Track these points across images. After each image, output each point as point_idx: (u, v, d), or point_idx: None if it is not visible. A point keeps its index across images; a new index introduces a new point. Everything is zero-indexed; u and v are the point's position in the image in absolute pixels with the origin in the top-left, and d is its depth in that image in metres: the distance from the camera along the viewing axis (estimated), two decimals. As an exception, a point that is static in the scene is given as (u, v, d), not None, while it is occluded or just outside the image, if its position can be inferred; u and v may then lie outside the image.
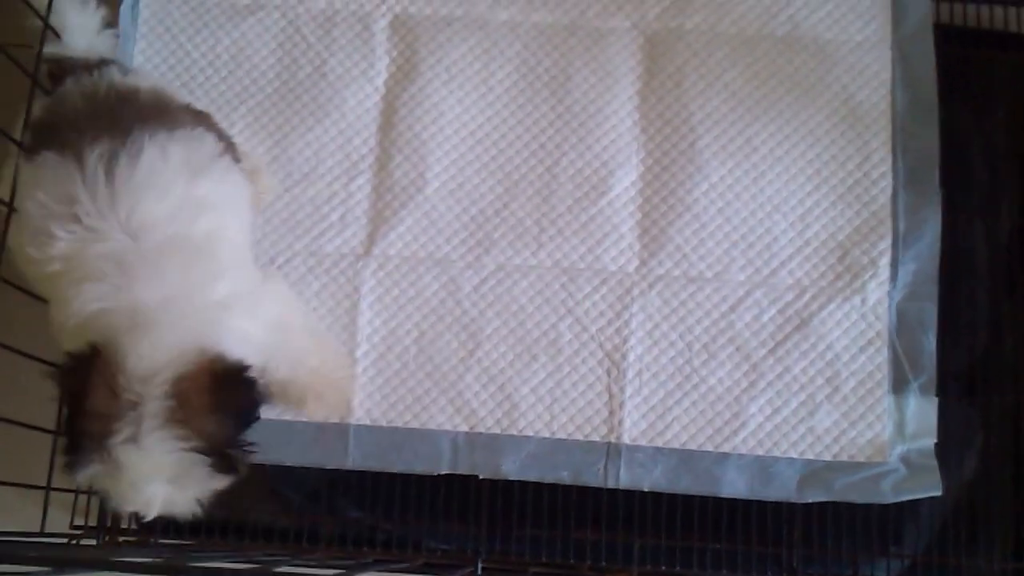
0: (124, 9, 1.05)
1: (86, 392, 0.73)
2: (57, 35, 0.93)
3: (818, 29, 1.05)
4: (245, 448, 0.79)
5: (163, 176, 0.79)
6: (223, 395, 0.75)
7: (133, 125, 0.80)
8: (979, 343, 1.09)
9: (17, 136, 0.87)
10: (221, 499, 1.01)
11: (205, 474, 0.75)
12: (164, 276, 0.76)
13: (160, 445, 0.72)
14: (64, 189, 0.77)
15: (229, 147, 0.90)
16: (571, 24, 1.05)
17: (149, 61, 1.04)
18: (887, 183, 1.01)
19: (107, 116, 0.81)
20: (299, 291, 0.99)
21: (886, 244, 1.00)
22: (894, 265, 1.00)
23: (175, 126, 0.82)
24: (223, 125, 1.01)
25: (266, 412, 0.96)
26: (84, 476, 0.74)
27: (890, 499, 0.95)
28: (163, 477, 0.74)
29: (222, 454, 0.75)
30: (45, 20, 0.92)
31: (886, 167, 1.02)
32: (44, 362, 0.95)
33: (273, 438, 0.97)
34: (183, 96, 0.95)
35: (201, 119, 0.90)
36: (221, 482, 0.77)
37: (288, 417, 0.97)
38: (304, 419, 0.97)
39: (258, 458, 0.96)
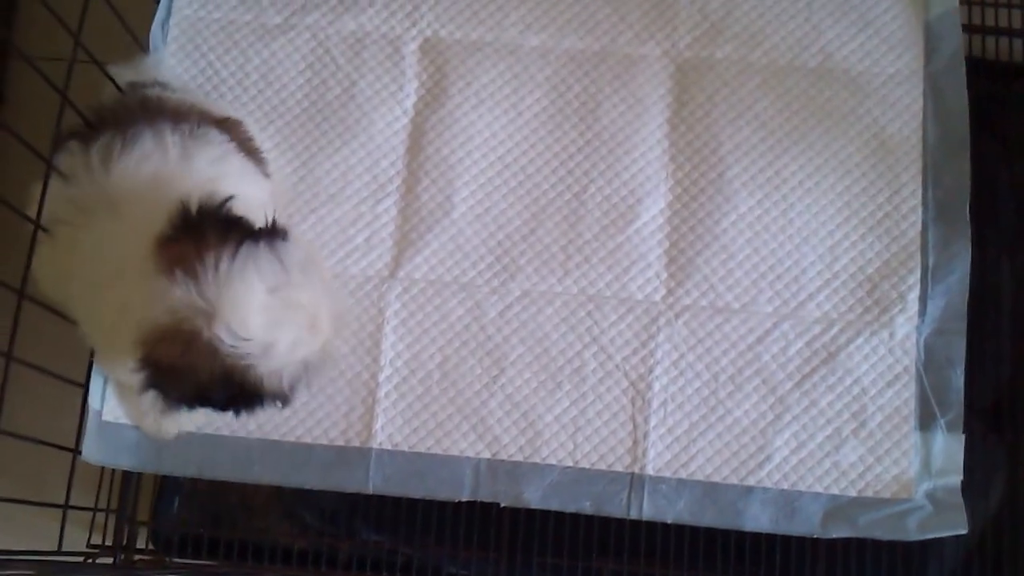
0: (155, 27, 1.05)
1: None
2: (88, 53, 0.93)
3: (850, 61, 1.04)
4: None
5: (152, 162, 0.79)
6: None
7: (141, 122, 0.80)
8: (1003, 378, 1.08)
9: (46, 153, 0.87)
10: (239, 520, 1.01)
11: None
12: None
13: None
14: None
15: (253, 157, 0.90)
16: (602, 51, 1.04)
17: (178, 79, 1.04)
18: (917, 217, 1.01)
19: (125, 116, 0.82)
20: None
21: (915, 278, 0.99)
22: (923, 300, 0.99)
23: (182, 122, 0.82)
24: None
25: (285, 436, 0.97)
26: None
27: (915, 537, 0.94)
28: None
29: None
30: (76, 36, 0.92)
31: (916, 201, 1.01)
32: (64, 379, 0.95)
33: (292, 462, 0.96)
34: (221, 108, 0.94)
35: (226, 125, 0.88)
36: None
37: (308, 440, 0.96)
38: (325, 442, 0.96)
39: (277, 482, 0.96)
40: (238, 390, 0.74)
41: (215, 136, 0.84)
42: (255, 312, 0.71)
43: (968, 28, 1.14)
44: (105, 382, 0.98)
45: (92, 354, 0.98)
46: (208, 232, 0.72)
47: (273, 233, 0.74)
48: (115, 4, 0.98)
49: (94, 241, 0.78)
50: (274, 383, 0.74)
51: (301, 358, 0.74)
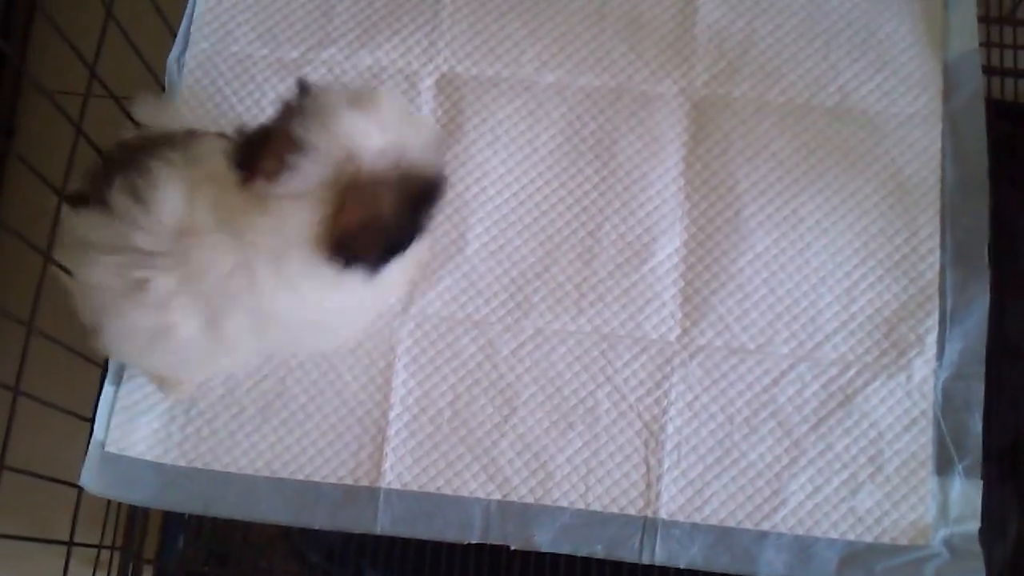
0: (171, 62, 1.05)
1: None
2: (103, 85, 0.93)
3: (868, 101, 1.03)
4: None
5: None
6: None
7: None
8: (1020, 424, 1.07)
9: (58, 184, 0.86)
10: (244, 558, 1.00)
11: None
12: None
13: None
14: None
15: None
16: (618, 88, 1.04)
17: (192, 112, 1.04)
18: (935, 259, 0.99)
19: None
20: (334, 350, 0.98)
21: (933, 321, 0.98)
22: (941, 343, 0.97)
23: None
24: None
25: (294, 474, 0.95)
26: None
27: (932, 584, 0.92)
28: None
29: None
30: (92, 69, 0.92)
31: (934, 242, 1.00)
32: (71, 413, 0.94)
33: (300, 500, 0.95)
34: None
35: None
36: None
37: (316, 479, 0.95)
38: (333, 481, 0.95)
39: (284, 520, 0.95)
40: (416, 200, 0.75)
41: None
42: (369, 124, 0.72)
43: (987, 70, 1.14)
44: (110, 414, 0.97)
45: (101, 385, 0.98)
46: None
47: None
48: (132, 38, 0.98)
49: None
50: (431, 171, 0.76)
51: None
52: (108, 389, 0.98)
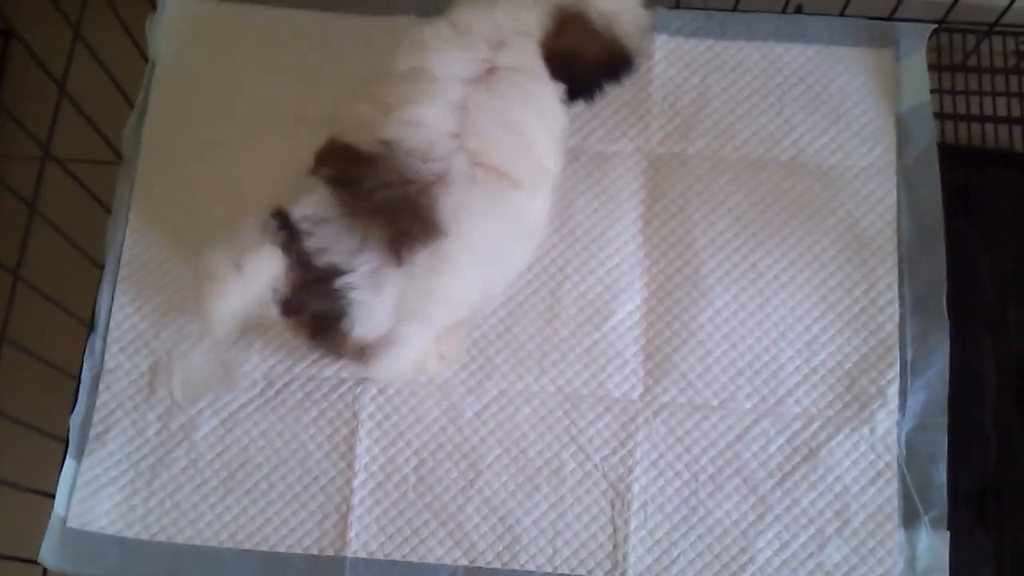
0: (128, 131, 1.05)
1: None
2: (59, 163, 0.92)
3: (822, 154, 1.04)
4: None
5: None
6: None
7: None
8: (988, 469, 1.07)
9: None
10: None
11: None
12: None
13: None
14: None
15: None
16: (575, 148, 1.05)
17: (152, 181, 1.03)
18: (894, 310, 1.00)
19: None
20: (296, 417, 0.97)
21: (894, 373, 0.98)
22: (903, 394, 0.98)
23: None
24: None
25: (258, 545, 0.95)
26: None
27: (902, 638, 0.92)
28: None
29: None
30: (46, 149, 0.92)
31: (892, 294, 1.00)
32: (31, 490, 0.93)
33: (265, 572, 0.94)
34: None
35: None
36: None
37: (281, 549, 0.94)
38: (299, 551, 0.94)
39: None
40: (614, 58, 0.95)
41: None
42: None
43: (943, 116, 1.16)
44: (72, 488, 0.97)
45: (62, 461, 0.97)
46: None
47: None
48: (90, 108, 0.99)
49: None
50: (635, 41, 0.95)
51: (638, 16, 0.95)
52: (70, 463, 0.97)
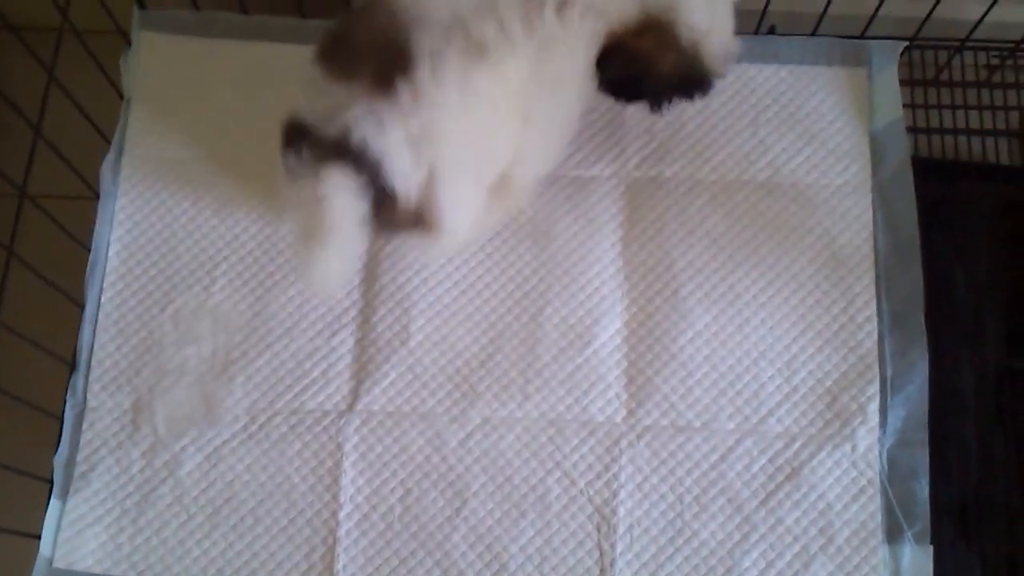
0: (105, 167, 1.05)
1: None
2: (32, 201, 0.92)
3: (797, 174, 1.05)
4: None
5: None
6: None
7: None
8: (971, 482, 1.08)
9: None
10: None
11: None
12: None
13: None
14: None
15: None
16: (552, 173, 1.05)
17: (130, 218, 1.04)
18: (872, 327, 1.01)
19: None
20: (280, 451, 0.97)
21: (874, 389, 0.99)
22: (883, 411, 0.99)
23: None
24: (204, 281, 1.02)
25: (247, 579, 0.95)
26: None
27: (889, 653, 0.93)
28: None
29: None
30: (22, 189, 0.92)
31: (871, 311, 1.01)
32: (15, 532, 0.93)
33: (254, 606, 0.94)
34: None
35: None
36: None
37: (269, 583, 0.95)
38: (287, 583, 0.95)
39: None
40: (690, 74, 0.94)
41: None
42: (701, 4, 0.91)
43: (916, 130, 1.17)
44: (57, 529, 0.96)
45: (47, 502, 0.97)
46: None
47: None
48: (64, 145, 0.98)
49: None
50: (716, 63, 0.95)
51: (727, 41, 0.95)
52: (55, 504, 0.97)
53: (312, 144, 0.84)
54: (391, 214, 0.86)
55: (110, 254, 1.04)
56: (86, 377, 1.00)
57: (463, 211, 0.91)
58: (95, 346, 1.01)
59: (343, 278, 0.89)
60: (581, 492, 0.97)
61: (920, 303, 1.01)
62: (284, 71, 1.08)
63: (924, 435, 0.98)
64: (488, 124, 0.88)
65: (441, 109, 0.85)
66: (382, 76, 0.83)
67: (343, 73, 0.85)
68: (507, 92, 0.88)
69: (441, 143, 0.85)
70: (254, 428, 0.98)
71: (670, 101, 0.97)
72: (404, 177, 0.84)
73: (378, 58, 0.84)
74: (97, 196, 1.04)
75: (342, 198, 0.83)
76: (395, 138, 0.83)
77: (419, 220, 0.88)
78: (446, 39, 0.84)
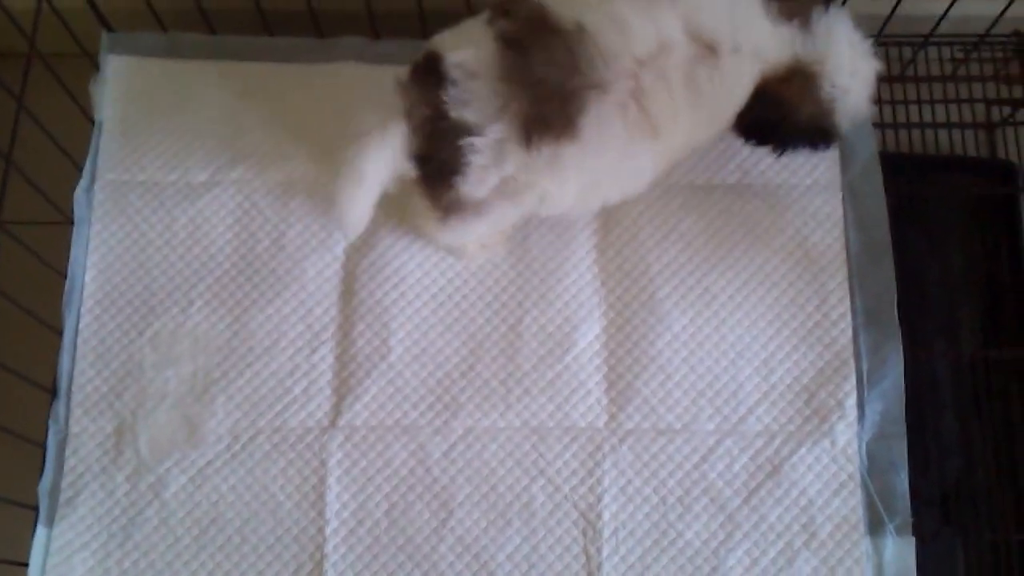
0: (78, 193, 1.05)
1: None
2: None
3: (767, 175, 1.06)
4: None
5: None
6: None
7: None
8: (951, 471, 1.09)
9: None
10: None
11: None
12: None
13: None
14: None
15: None
16: (526, 183, 1.06)
17: (105, 243, 1.04)
18: (847, 324, 1.02)
19: None
20: (264, 469, 0.98)
21: (851, 385, 1.00)
22: (860, 406, 1.00)
23: None
24: (182, 303, 1.02)
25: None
26: None
27: (875, 645, 0.94)
28: None
29: None
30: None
31: (845, 308, 1.02)
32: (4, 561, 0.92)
33: (244, 624, 0.95)
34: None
35: None
36: None
37: (258, 600, 0.95)
38: (275, 601, 0.95)
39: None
40: (822, 126, 0.96)
41: None
42: (848, 63, 0.93)
43: (882, 125, 1.18)
44: (45, 556, 0.96)
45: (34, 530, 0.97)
46: None
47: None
48: (36, 172, 0.98)
49: None
50: (843, 123, 0.96)
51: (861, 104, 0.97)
52: (41, 531, 0.97)
53: (424, 91, 0.87)
54: (437, 192, 0.91)
55: (86, 279, 1.04)
56: (67, 403, 1.00)
57: (485, 229, 0.98)
58: (75, 372, 1.01)
59: (358, 221, 0.93)
60: (566, 498, 0.98)
61: (893, 299, 1.02)
62: (254, 89, 1.09)
63: (902, 428, 0.99)
64: (569, 192, 0.92)
65: (559, 182, 0.90)
66: (535, 128, 0.85)
67: (506, 77, 0.85)
68: (654, 156, 0.92)
69: (530, 195, 0.90)
70: (237, 448, 0.99)
71: (795, 148, 0.99)
72: (476, 191, 0.89)
73: (540, 94, 0.85)
74: (71, 222, 1.04)
75: (386, 153, 0.88)
76: (501, 172, 0.87)
77: (451, 211, 0.92)
78: (620, 115, 0.86)
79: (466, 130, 0.85)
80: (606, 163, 0.90)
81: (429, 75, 0.86)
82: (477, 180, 0.88)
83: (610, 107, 0.85)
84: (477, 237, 1.01)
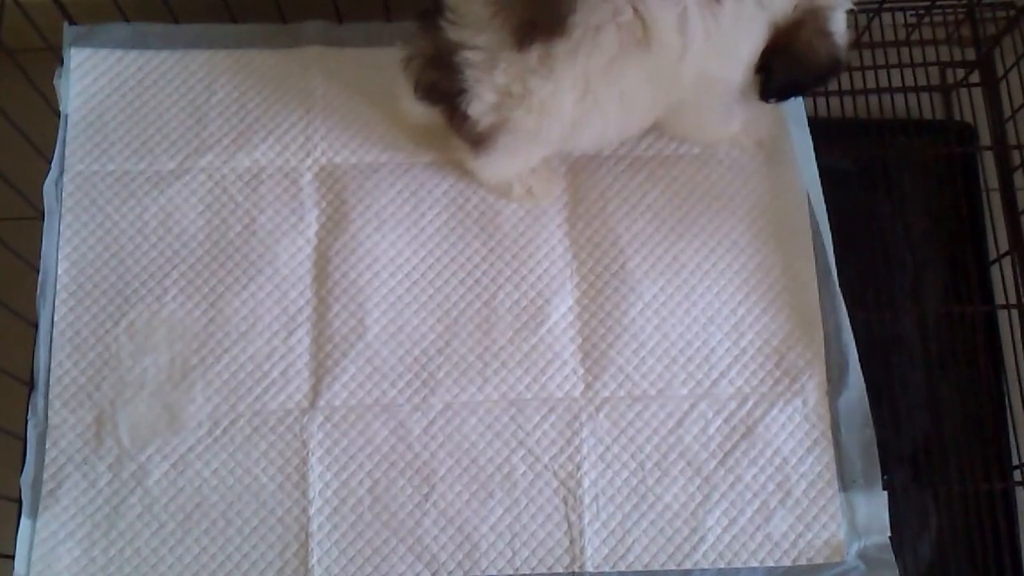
0: (48, 186, 1.05)
1: None
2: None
3: (731, 144, 1.09)
4: None
5: None
6: None
7: None
8: (921, 427, 1.12)
9: None
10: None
11: None
12: None
13: None
14: None
15: None
16: (494, 159, 1.07)
17: (77, 235, 1.04)
18: (813, 286, 1.04)
19: None
20: (246, 452, 0.99)
21: (819, 344, 1.03)
22: (828, 364, 1.02)
23: None
24: (156, 291, 1.03)
25: (223, 581, 0.96)
26: None
27: (853, 598, 0.97)
28: None
29: None
30: None
31: (810, 270, 1.05)
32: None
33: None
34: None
35: None
36: None
37: (245, 581, 0.96)
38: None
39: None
40: (834, 62, 0.95)
41: None
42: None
43: (840, 93, 1.21)
44: (30, 547, 0.97)
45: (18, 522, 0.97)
46: None
47: None
48: (4, 166, 0.98)
49: None
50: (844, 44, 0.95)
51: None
52: (25, 523, 0.97)
53: (426, 27, 0.91)
54: (459, 125, 0.95)
55: (59, 272, 1.04)
56: (46, 395, 1.00)
57: (510, 164, 1.01)
58: (52, 364, 1.01)
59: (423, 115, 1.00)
60: (546, 467, 1.00)
61: (830, 256, 1.04)
62: (221, 75, 1.10)
63: (863, 384, 1.01)
64: (568, 98, 0.91)
65: (553, 83, 0.89)
66: (524, 31, 0.87)
67: None
68: (646, 81, 0.91)
69: (530, 103, 0.90)
70: (218, 432, 0.99)
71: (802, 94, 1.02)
72: (482, 108, 0.91)
73: (533, 8, 0.86)
74: (42, 215, 1.04)
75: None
76: (496, 81, 0.88)
77: (477, 143, 0.95)
78: (612, 17, 0.85)
79: (461, 46, 0.88)
80: (597, 68, 0.88)
81: (429, 14, 0.90)
82: (478, 98, 0.90)
83: (602, 7, 0.85)
84: (516, 175, 1.04)
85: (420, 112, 0.99)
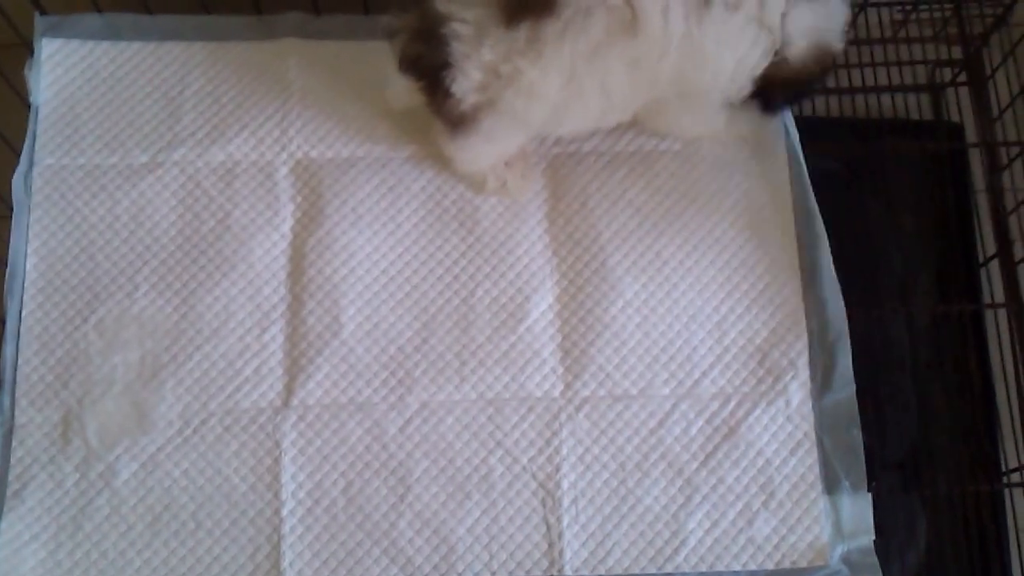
0: (16, 179, 1.03)
1: None
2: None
3: (713, 140, 1.07)
4: None
5: None
6: None
7: None
8: (910, 431, 1.11)
9: None
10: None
11: None
12: None
13: None
14: None
15: None
16: (474, 155, 1.06)
17: (46, 229, 1.02)
18: (796, 283, 1.02)
19: None
20: (217, 452, 0.96)
21: (803, 344, 1.01)
22: (813, 364, 1.00)
23: None
24: (127, 288, 1.01)
25: None
26: None
27: (836, 602, 0.95)
28: None
29: None
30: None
31: (794, 268, 1.03)
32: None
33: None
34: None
35: None
36: None
37: (217, 584, 0.94)
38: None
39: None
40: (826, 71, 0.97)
41: None
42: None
43: (826, 92, 1.19)
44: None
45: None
46: None
47: None
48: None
49: None
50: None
51: None
52: (-11, 525, 0.95)
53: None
54: (440, 103, 0.93)
55: (28, 267, 1.01)
56: (12, 394, 0.98)
57: (490, 149, 1.00)
58: (19, 362, 0.99)
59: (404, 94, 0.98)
60: (524, 469, 0.97)
61: (828, 255, 1.02)
62: (195, 67, 1.08)
63: (853, 386, 0.99)
64: (554, 79, 0.90)
65: (546, 68, 0.88)
66: (514, 7, 0.86)
67: None
68: (627, 72, 0.90)
69: (516, 85, 0.89)
70: (189, 432, 0.97)
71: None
72: (466, 87, 0.90)
73: None
74: (10, 210, 1.02)
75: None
76: (483, 58, 0.88)
77: (458, 123, 0.94)
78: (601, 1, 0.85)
79: (449, 17, 0.88)
80: (583, 53, 0.87)
81: None
82: (463, 74, 0.89)
83: None
84: (490, 165, 1.02)
85: (401, 90, 0.97)
